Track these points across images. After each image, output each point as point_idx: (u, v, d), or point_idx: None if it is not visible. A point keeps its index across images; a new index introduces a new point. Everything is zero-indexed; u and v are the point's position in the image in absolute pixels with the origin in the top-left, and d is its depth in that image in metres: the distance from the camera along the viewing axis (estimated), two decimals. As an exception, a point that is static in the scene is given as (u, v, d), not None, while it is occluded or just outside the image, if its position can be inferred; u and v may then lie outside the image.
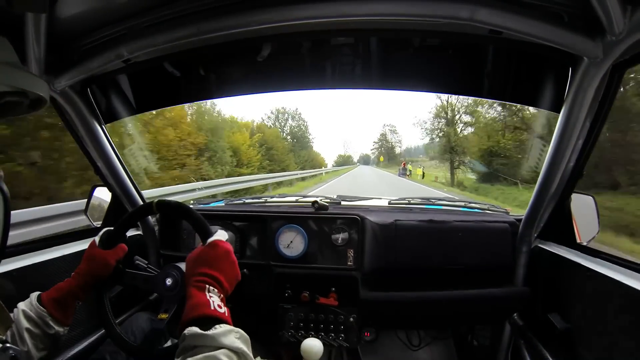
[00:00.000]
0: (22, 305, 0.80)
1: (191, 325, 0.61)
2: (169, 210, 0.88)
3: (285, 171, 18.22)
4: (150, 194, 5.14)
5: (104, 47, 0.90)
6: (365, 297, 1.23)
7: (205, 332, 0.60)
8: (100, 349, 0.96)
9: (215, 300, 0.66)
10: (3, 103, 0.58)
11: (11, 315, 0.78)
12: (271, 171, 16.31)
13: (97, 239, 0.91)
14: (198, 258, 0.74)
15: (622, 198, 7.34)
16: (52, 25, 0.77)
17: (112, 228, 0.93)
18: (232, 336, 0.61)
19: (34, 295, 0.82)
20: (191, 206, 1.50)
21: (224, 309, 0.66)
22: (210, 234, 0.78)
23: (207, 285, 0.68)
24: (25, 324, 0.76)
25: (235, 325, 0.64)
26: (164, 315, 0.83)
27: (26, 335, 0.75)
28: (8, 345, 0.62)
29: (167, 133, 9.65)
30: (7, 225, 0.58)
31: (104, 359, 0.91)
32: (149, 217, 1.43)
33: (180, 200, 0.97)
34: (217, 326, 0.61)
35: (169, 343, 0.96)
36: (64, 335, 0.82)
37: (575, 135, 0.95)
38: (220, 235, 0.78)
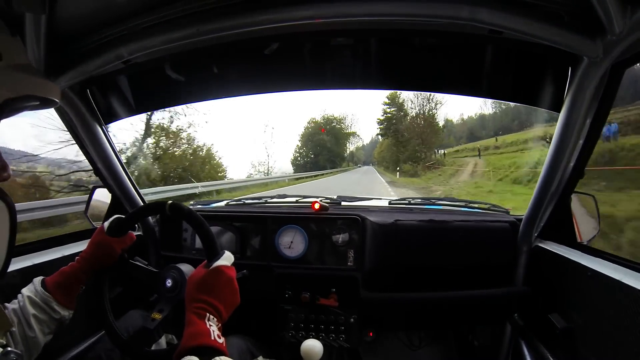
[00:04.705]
0: (26, 291, 0.80)
1: (190, 354, 0.61)
2: (180, 216, 0.86)
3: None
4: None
5: (103, 48, 0.90)
6: (366, 297, 1.23)
7: None
8: (96, 347, 0.96)
9: (214, 330, 0.66)
10: (19, 107, 0.61)
11: (16, 301, 0.79)
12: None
13: (106, 224, 0.90)
14: (200, 283, 0.73)
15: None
16: (51, 26, 0.77)
17: (122, 216, 0.92)
18: None
19: (37, 280, 0.82)
20: (191, 207, 1.50)
21: (222, 340, 0.66)
22: (217, 256, 0.76)
23: (207, 314, 0.68)
24: (31, 310, 0.77)
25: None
26: (157, 316, 0.82)
27: (33, 322, 0.76)
28: (9, 349, 0.62)
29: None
30: (13, 238, 0.59)
31: (99, 357, 0.91)
32: (149, 217, 1.43)
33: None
34: (216, 358, 0.61)
35: (163, 343, 0.96)
36: (68, 319, 0.83)
37: (576, 135, 0.95)
38: (226, 259, 0.77)
